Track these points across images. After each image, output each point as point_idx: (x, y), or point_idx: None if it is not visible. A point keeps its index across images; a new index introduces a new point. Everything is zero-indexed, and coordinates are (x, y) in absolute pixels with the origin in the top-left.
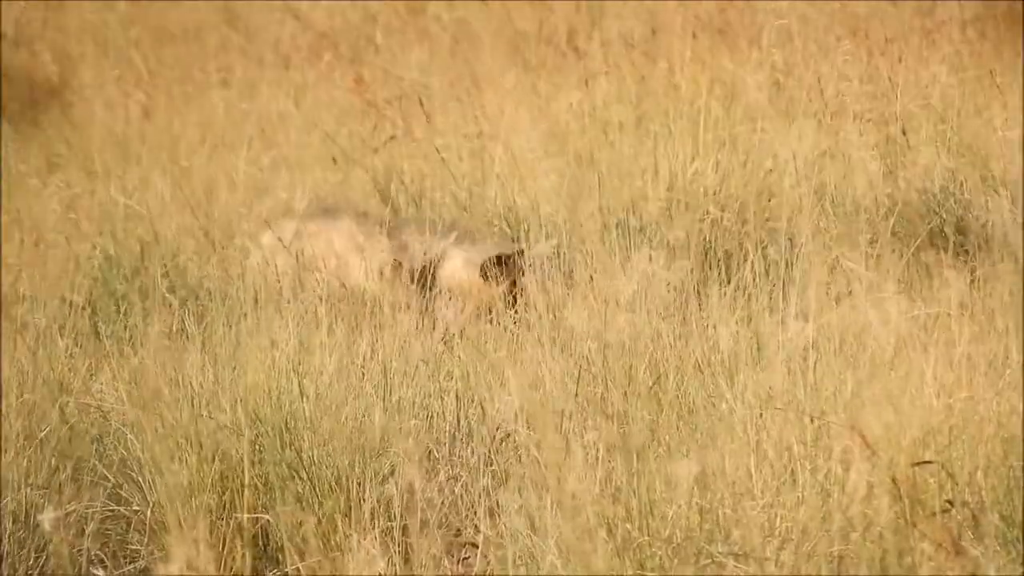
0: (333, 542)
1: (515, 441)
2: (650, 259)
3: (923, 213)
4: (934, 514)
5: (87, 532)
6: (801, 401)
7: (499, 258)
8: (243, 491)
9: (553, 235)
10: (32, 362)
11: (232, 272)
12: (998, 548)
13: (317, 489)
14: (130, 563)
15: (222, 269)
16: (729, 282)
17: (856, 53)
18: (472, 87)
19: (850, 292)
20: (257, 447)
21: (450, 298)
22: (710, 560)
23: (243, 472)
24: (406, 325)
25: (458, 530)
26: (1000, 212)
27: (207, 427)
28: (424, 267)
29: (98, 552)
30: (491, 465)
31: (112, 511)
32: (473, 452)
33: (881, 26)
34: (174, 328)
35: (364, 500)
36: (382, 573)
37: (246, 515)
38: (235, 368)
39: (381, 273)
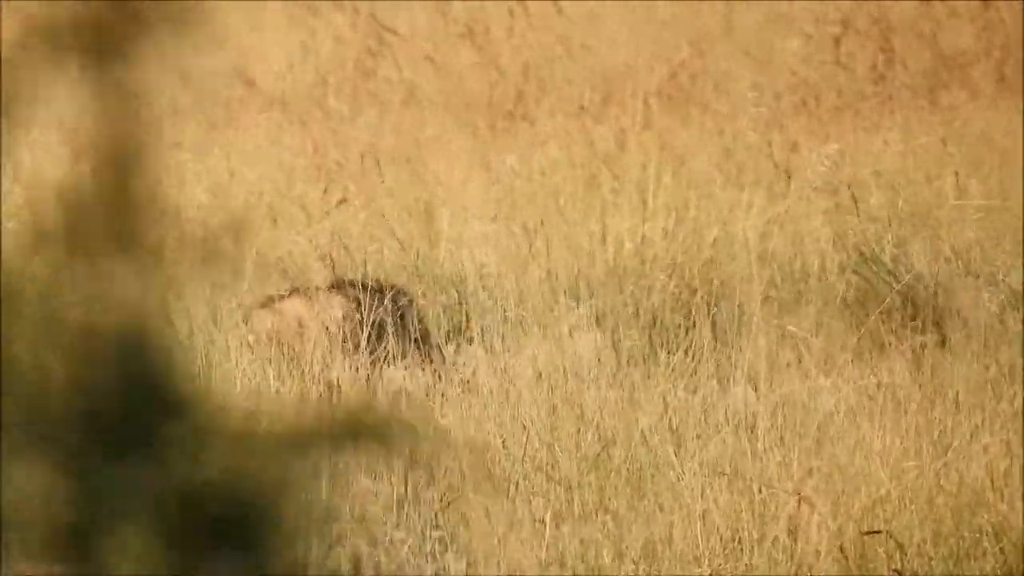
0: None
1: (463, 505)
2: (597, 325)
3: (873, 282)
4: None
5: None
6: (749, 469)
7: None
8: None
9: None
10: None
11: (181, 333)
12: None
13: (262, 554)
14: None
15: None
16: (677, 350)
17: (807, 121)
18: (422, 151)
19: (799, 361)
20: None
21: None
22: None
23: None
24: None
25: None
26: (951, 282)
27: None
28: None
29: None
30: (437, 530)
31: None
32: (420, 516)
33: (833, 93)
34: None
35: (310, 563)
36: None
37: None
38: None
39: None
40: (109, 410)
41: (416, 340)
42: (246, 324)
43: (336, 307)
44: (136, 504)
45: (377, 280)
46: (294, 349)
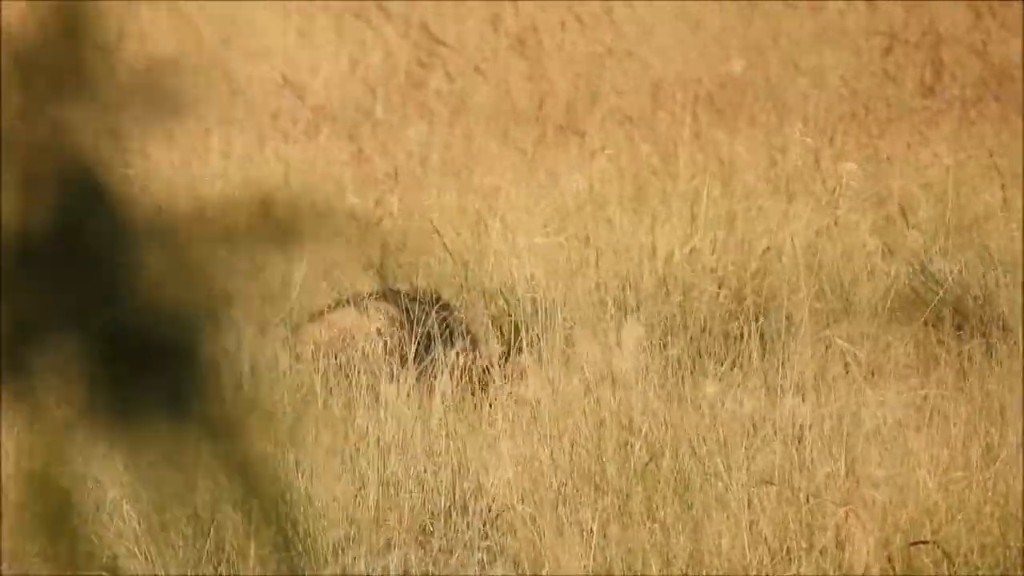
0: None
1: (510, 515)
2: (646, 336)
3: (920, 293)
4: None
5: None
6: (796, 480)
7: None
8: (239, 563)
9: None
10: (28, 432)
11: (229, 345)
12: None
13: (313, 562)
14: None
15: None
16: (725, 360)
17: (856, 132)
18: (471, 162)
19: (847, 371)
20: (252, 519)
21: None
22: None
23: (238, 544)
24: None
25: None
26: (998, 293)
27: (202, 499)
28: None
29: None
30: (486, 540)
31: None
32: (468, 526)
33: (882, 105)
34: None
35: (358, 574)
36: None
37: None
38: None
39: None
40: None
41: (464, 351)
42: (295, 336)
43: (384, 318)
44: (66, 328)
45: (425, 291)
46: (342, 360)
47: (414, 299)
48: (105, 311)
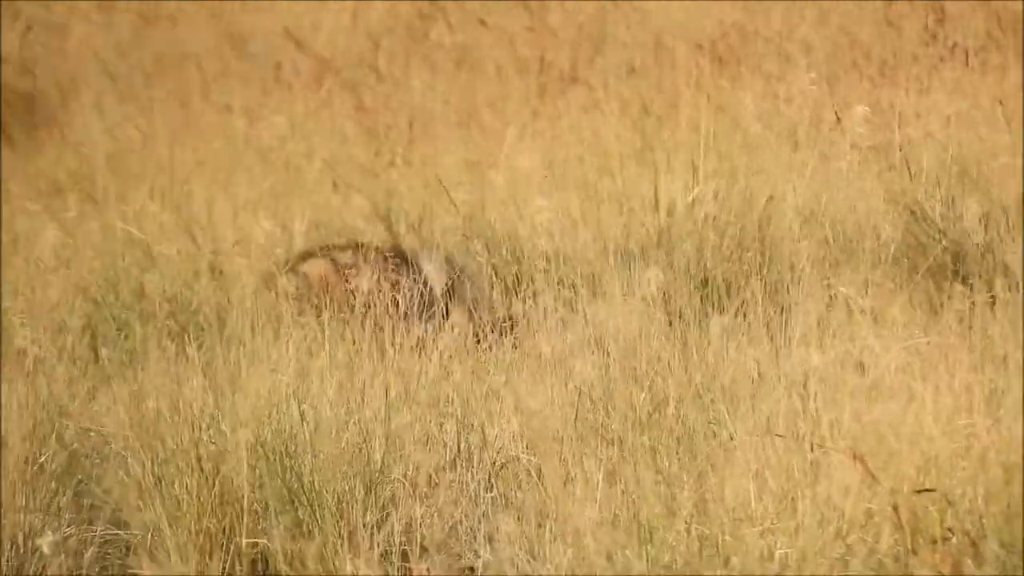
0: (332, 566)
1: (515, 467)
2: (649, 286)
3: (923, 241)
4: (934, 542)
5: (87, 556)
6: (801, 428)
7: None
8: (243, 515)
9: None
10: (31, 386)
11: (232, 297)
12: None
13: (317, 514)
14: None
15: (221, 294)
16: (729, 310)
17: (858, 81)
18: (474, 114)
19: (850, 320)
20: (257, 471)
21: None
22: None
23: (243, 496)
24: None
25: (458, 555)
26: (1000, 240)
27: (207, 451)
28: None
29: None
30: (491, 491)
31: (112, 535)
32: (473, 477)
33: (885, 53)
34: (174, 352)
35: (364, 525)
36: None
37: (245, 540)
38: (235, 392)
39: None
40: None
41: (469, 302)
42: (268, 284)
43: (374, 270)
44: None
45: (422, 242)
46: (345, 313)
47: (403, 256)
48: None
